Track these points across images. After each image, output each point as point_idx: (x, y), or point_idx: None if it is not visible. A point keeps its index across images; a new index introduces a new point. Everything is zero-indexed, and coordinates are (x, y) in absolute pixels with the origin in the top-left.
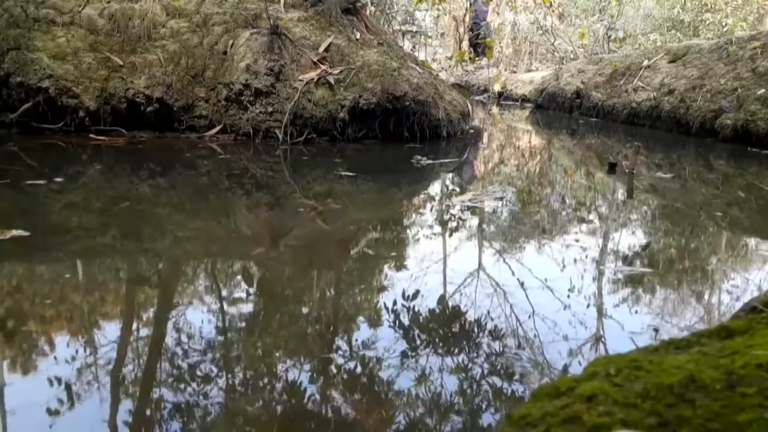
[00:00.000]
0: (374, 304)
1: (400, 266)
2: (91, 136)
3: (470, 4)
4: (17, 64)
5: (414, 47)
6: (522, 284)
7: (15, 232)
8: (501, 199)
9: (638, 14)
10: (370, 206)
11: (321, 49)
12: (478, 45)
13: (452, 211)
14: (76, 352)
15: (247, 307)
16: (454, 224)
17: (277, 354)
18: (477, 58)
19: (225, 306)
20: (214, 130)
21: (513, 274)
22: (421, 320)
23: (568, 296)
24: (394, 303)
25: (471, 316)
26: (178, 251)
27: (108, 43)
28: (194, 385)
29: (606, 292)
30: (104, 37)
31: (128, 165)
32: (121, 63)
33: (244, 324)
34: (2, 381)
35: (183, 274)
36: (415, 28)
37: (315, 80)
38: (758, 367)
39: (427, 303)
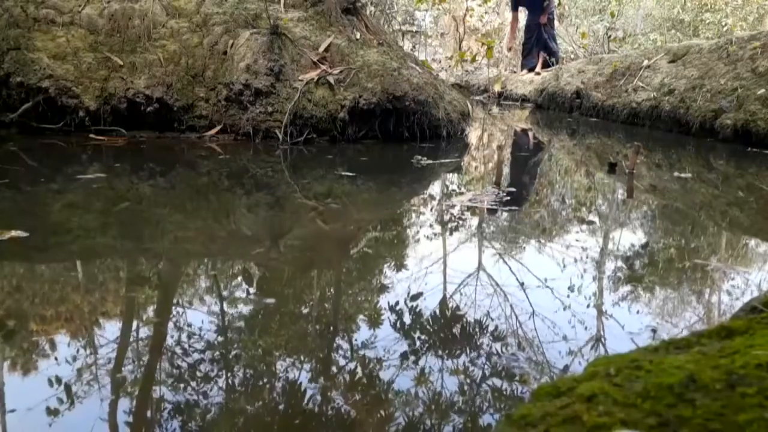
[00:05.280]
0: (374, 304)
1: (400, 266)
2: (91, 136)
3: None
4: (17, 64)
5: (414, 47)
6: (522, 284)
7: (14, 233)
8: (501, 199)
9: (638, 14)
10: (370, 206)
11: (321, 49)
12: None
13: (452, 211)
14: (76, 352)
15: (247, 307)
16: (454, 224)
17: (277, 354)
18: (546, 69)
19: (225, 306)
20: (214, 130)
21: (513, 274)
22: (421, 320)
23: (568, 296)
24: (396, 303)
25: (471, 316)
26: (178, 251)
27: (108, 43)
28: (194, 384)
29: (606, 292)
30: (104, 37)
31: (128, 165)
32: (121, 63)
33: (243, 324)
34: (2, 381)
35: (183, 274)
36: (415, 28)
37: (315, 80)
38: (758, 367)
39: (427, 303)
